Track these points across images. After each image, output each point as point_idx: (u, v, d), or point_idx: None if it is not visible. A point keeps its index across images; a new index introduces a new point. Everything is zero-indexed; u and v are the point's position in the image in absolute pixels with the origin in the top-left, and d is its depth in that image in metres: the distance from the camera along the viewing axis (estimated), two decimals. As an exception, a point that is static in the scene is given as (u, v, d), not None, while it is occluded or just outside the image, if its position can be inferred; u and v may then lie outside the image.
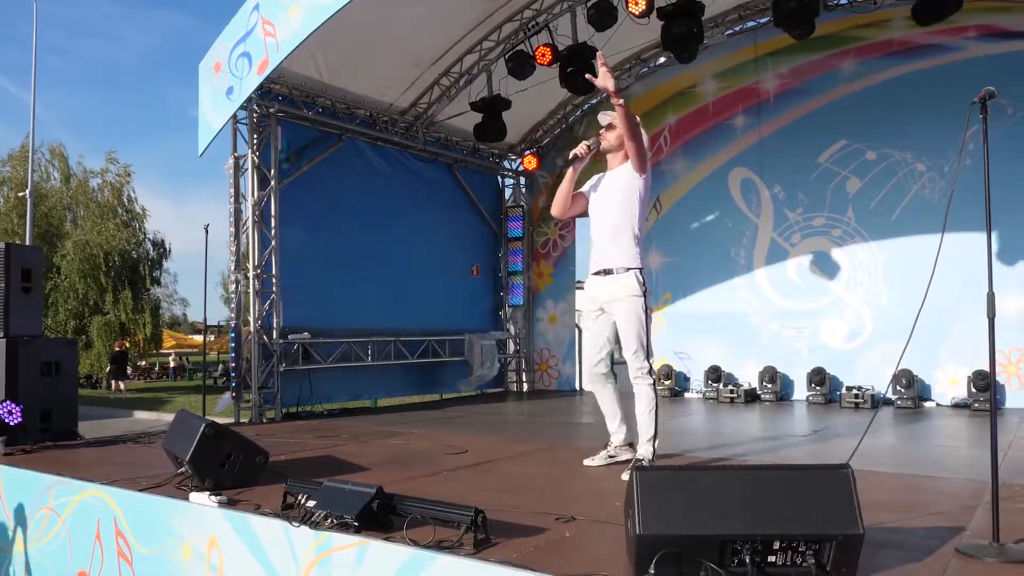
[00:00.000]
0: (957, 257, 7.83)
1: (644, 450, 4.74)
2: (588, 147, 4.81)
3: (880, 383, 8.63)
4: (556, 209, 5.00)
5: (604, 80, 4.50)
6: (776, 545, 2.68)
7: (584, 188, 5.01)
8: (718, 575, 2.58)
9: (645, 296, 4.70)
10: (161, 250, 26.95)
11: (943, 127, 8.60)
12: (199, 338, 41.95)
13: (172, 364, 31.86)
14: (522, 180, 11.78)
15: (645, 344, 4.68)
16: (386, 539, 3.21)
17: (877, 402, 8.44)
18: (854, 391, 8.50)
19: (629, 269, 4.71)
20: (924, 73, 8.80)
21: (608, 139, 4.83)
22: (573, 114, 11.20)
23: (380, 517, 3.37)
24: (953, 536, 3.23)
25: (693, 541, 2.64)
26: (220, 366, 27.44)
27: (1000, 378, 8.24)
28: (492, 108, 9.22)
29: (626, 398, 4.92)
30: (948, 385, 8.50)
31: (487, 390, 11.09)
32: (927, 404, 8.53)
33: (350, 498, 3.41)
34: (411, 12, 8.20)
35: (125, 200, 25.85)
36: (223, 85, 7.37)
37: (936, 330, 8.30)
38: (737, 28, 9.78)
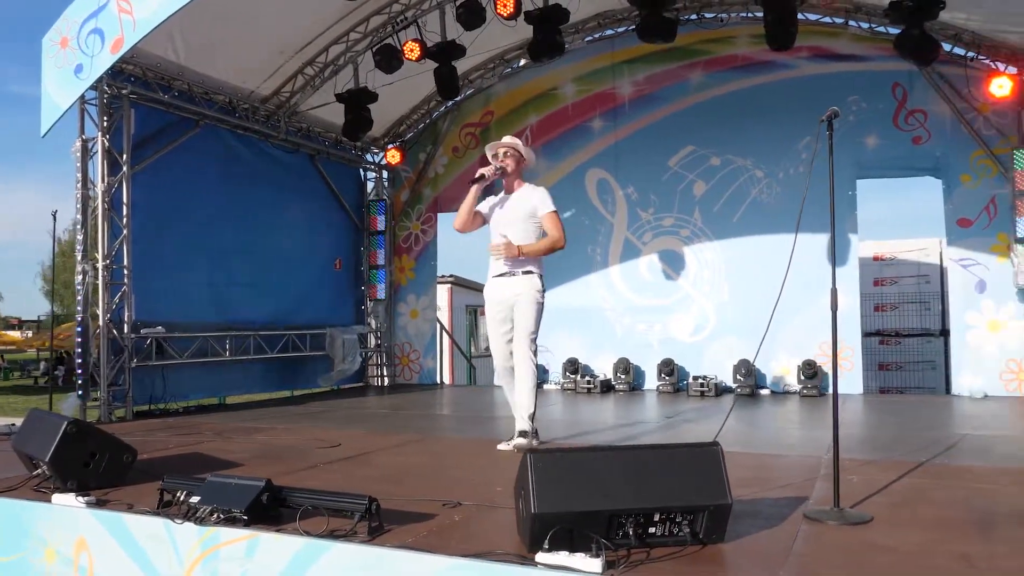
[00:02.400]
0: (786, 257, 8.64)
1: (527, 424, 5.17)
2: (495, 171, 5.30)
3: (723, 373, 9.31)
4: (459, 223, 5.45)
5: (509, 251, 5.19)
6: (656, 517, 2.94)
7: (482, 207, 5.47)
8: (606, 547, 2.79)
9: (543, 295, 5.31)
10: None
11: (779, 137, 9.44)
12: (14, 334, 38.59)
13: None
14: (384, 174, 11.74)
15: (537, 329, 5.23)
16: (277, 531, 3.21)
17: (720, 390, 9.12)
18: (700, 380, 9.12)
19: (533, 272, 5.27)
20: (763, 87, 9.57)
21: (509, 164, 5.34)
22: (437, 110, 11.28)
23: (270, 510, 3.36)
24: (800, 504, 3.62)
25: (583, 517, 2.84)
26: (43, 364, 25.42)
27: (825, 367, 9.09)
28: (358, 101, 9.14)
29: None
30: (781, 374, 9.29)
31: (346, 385, 10.99)
32: (762, 391, 9.29)
33: (237, 492, 3.37)
34: (276, -3, 8.02)
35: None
36: (71, 62, 6.90)
37: (772, 325, 9.05)
38: (596, 35, 10.22)
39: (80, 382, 7.21)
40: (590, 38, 10.20)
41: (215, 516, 3.31)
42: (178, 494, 3.58)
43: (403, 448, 5.62)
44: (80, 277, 7.31)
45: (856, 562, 2.83)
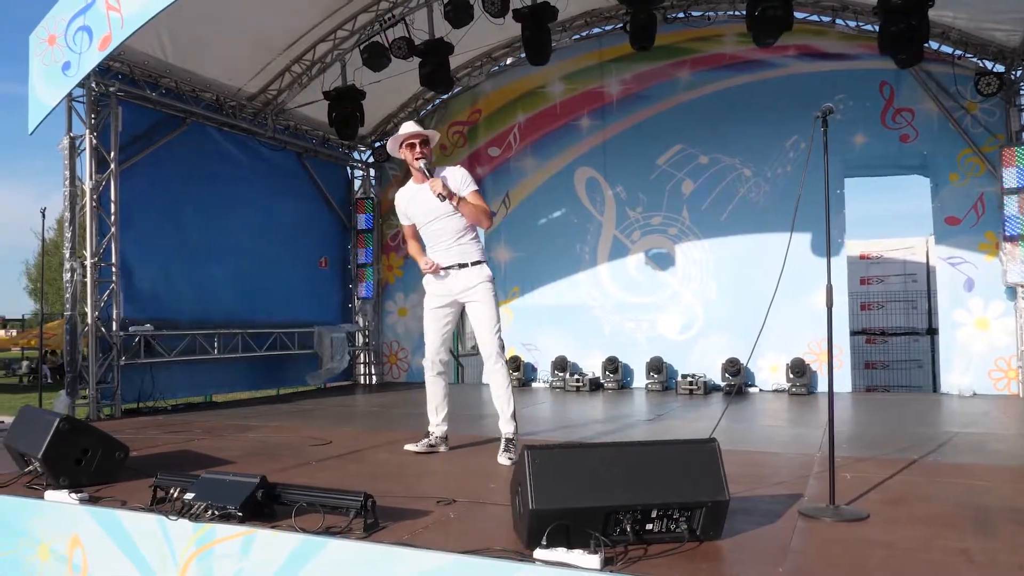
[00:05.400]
0: (776, 255, 8.69)
1: (510, 427, 5.03)
2: (425, 169, 4.94)
3: (711, 371, 9.35)
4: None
5: (437, 188, 4.84)
6: (653, 513, 2.95)
7: (407, 213, 5.15)
8: (604, 543, 2.80)
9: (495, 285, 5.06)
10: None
11: (766, 136, 9.48)
12: (1, 333, 38.22)
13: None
14: (372, 172, 11.71)
15: (500, 324, 5.01)
16: (273, 528, 3.20)
17: (709, 388, 9.15)
18: (688, 379, 9.15)
19: (480, 262, 5.03)
20: (751, 86, 9.61)
21: (429, 155, 5.04)
22: (424, 108, 11.27)
23: (265, 507, 3.36)
24: (795, 501, 3.65)
25: (581, 513, 2.85)
26: (25, 363, 25.15)
27: (814, 365, 9.16)
28: (345, 98, 9.12)
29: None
30: (769, 372, 9.34)
31: (335, 383, 10.96)
32: (751, 390, 9.33)
33: (232, 488, 3.37)
34: (264, -5, 8.00)
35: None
36: (58, 60, 6.84)
37: (759, 323, 9.10)
38: (584, 33, 10.23)
39: (68, 380, 7.14)
40: (577, 36, 10.21)
41: (210, 513, 3.30)
42: (171, 491, 3.57)
43: (395, 445, 5.60)
44: (68, 275, 7.25)
45: (854, 558, 2.85)
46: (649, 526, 2.96)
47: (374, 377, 11.49)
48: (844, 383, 9.07)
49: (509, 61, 10.76)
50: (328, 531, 3.12)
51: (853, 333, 12.21)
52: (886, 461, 4.71)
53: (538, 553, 2.76)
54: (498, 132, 10.95)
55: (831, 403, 3.64)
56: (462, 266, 4.99)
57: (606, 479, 2.91)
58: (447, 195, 4.84)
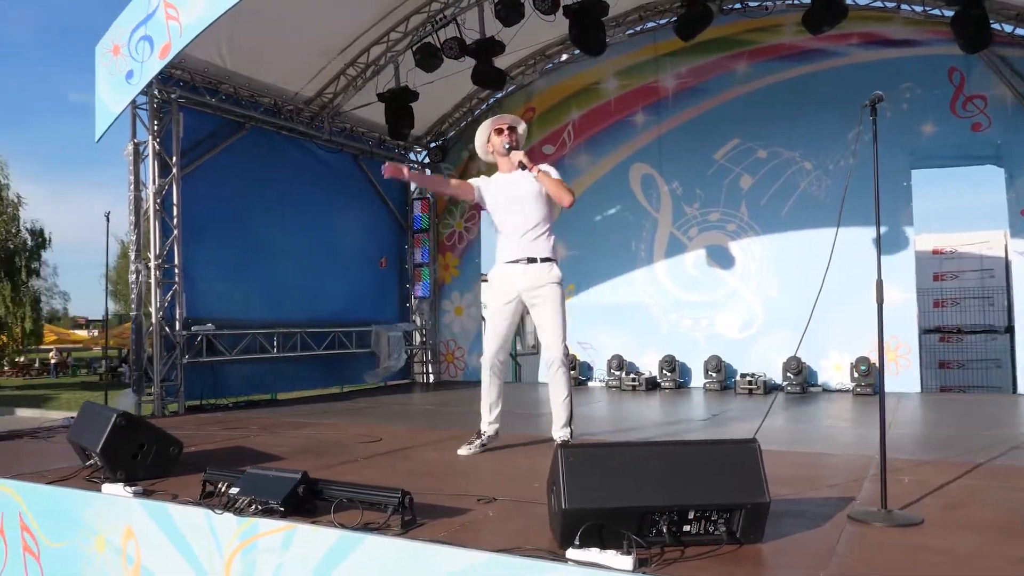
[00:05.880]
0: (840, 251, 8.42)
1: (564, 432, 4.98)
2: (525, 163, 4.88)
3: (771, 370, 9.14)
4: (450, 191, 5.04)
5: (519, 156, 4.80)
6: (691, 515, 2.87)
7: (478, 182, 5.09)
8: (638, 544, 2.74)
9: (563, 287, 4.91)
10: (40, 239, 25.50)
11: (828, 128, 9.20)
12: (82, 333, 39.90)
13: (53, 360, 30.20)
14: (428, 172, 11.79)
15: (565, 333, 4.88)
16: (313, 523, 3.24)
17: (769, 388, 8.94)
18: (748, 378, 8.96)
19: (551, 260, 4.89)
20: (811, 76, 9.35)
21: (515, 141, 5.00)
22: (479, 107, 11.31)
23: (306, 502, 3.39)
24: (846, 505, 3.51)
25: (614, 513, 2.80)
26: (104, 361, 26.23)
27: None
28: (399, 99, 9.21)
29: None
30: (833, 371, 9.07)
31: (392, 382, 11.09)
32: (813, 389, 9.08)
33: (275, 484, 3.42)
34: (318, 1, 8.12)
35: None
36: (122, 69, 7.09)
37: (822, 320, 8.82)
38: (638, 28, 10.11)
39: (134, 378, 7.40)
40: (631, 31, 10.10)
41: (253, 507, 3.35)
42: (220, 485, 3.64)
43: (443, 443, 5.62)
44: (133, 277, 7.51)
45: (902, 564, 2.73)
46: (687, 527, 2.89)
47: (431, 376, 11.58)
48: (912, 383, 8.75)
49: (564, 58, 10.71)
50: (366, 527, 3.14)
51: (925, 331, 11.78)
52: (950, 464, 4.50)
53: (571, 553, 2.72)
54: (552, 130, 10.90)
55: (882, 403, 3.49)
56: (531, 261, 4.83)
57: (641, 479, 2.85)
58: (528, 165, 4.79)
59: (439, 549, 2.87)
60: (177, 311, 7.74)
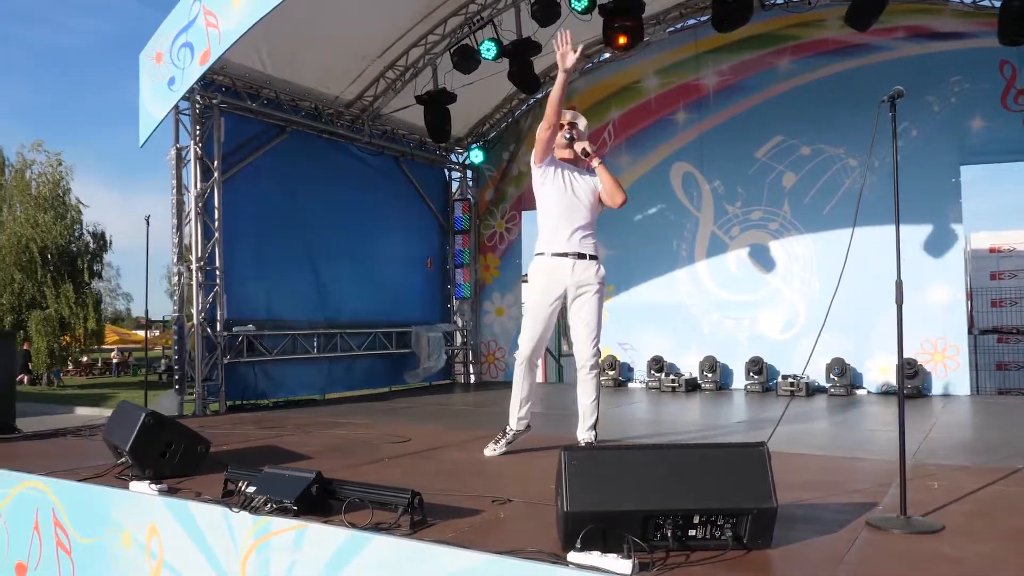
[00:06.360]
0: (886, 250, 8.20)
1: (589, 435, 4.93)
2: (588, 150, 4.86)
3: (814, 372, 8.94)
4: (548, 123, 4.71)
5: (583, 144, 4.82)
6: (696, 519, 2.83)
7: (544, 175, 4.88)
8: (640, 548, 2.71)
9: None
10: (101, 242, 26.32)
11: (873, 123, 8.93)
12: (143, 334, 41.14)
13: (115, 360, 31.19)
14: (469, 173, 11.86)
15: (600, 335, 4.85)
16: (325, 522, 3.27)
17: (812, 390, 8.75)
18: (790, 379, 8.78)
19: (597, 258, 4.87)
20: (856, 71, 9.12)
21: (577, 134, 4.91)
22: (519, 108, 11.32)
23: (319, 501, 3.44)
24: (866, 511, 3.42)
25: (617, 517, 2.77)
26: (163, 361, 26.98)
27: (927, 365, 8.61)
28: (437, 102, 9.27)
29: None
30: (878, 373, 8.84)
31: (435, 382, 11.16)
32: (859, 392, 8.85)
33: (289, 483, 3.47)
34: (356, 5, 8.23)
35: (60, 192, 25.14)
36: (164, 75, 7.29)
37: (867, 321, 8.65)
38: (678, 26, 10.00)
39: (177, 378, 7.60)
40: (672, 29, 9.99)
41: (268, 506, 3.41)
42: (240, 484, 3.72)
43: (472, 444, 5.63)
44: (176, 278, 7.71)
45: (912, 573, 2.65)
46: (692, 532, 2.84)
47: (472, 376, 11.63)
48: (962, 385, 8.48)
49: (604, 57, 10.65)
50: (376, 527, 3.17)
51: (982, 332, 11.39)
52: (987, 470, 4.34)
53: (571, 556, 2.70)
54: (593, 129, 10.79)
55: (900, 403, 3.40)
56: (580, 257, 4.78)
57: (645, 482, 2.81)
58: (592, 153, 4.79)
59: (441, 550, 2.88)
60: (218, 312, 7.92)
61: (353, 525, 3.18)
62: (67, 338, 24.54)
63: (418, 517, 3.24)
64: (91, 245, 26.03)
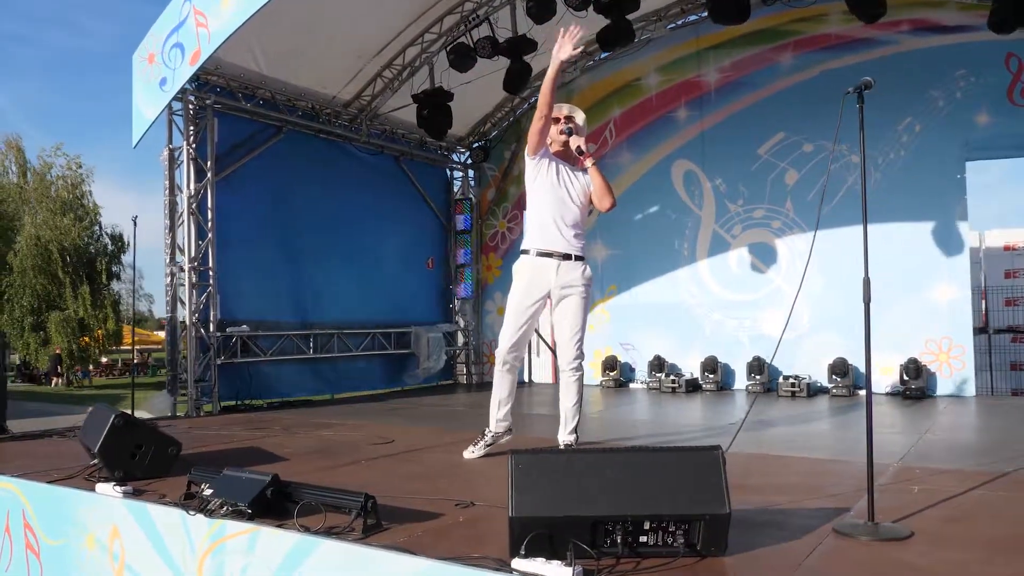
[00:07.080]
0: (888, 248, 8.04)
1: (570, 438, 4.83)
2: (583, 148, 4.73)
3: (816, 372, 8.79)
4: (541, 114, 4.64)
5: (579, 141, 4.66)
6: (647, 525, 2.74)
7: (540, 165, 4.77)
8: (587, 554, 2.63)
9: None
10: (119, 244, 26.55)
11: (877, 119, 8.74)
12: (162, 334, 41.48)
13: (135, 361, 31.39)
14: (470, 173, 11.80)
15: (583, 335, 4.76)
16: (278, 526, 3.22)
17: (813, 391, 8.61)
18: (791, 380, 8.63)
19: (584, 259, 4.77)
20: (859, 66, 8.92)
21: (575, 128, 4.78)
22: (520, 107, 11.24)
23: (275, 504, 3.39)
24: (836, 516, 3.31)
25: (564, 522, 2.69)
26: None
27: (932, 366, 8.44)
28: (434, 100, 9.21)
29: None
30: (882, 374, 8.65)
31: (437, 383, 11.11)
32: (862, 392, 8.67)
33: (245, 485, 3.42)
34: (351, 3, 8.19)
35: (79, 194, 25.42)
36: (156, 76, 7.30)
37: (871, 321, 8.46)
38: (679, 22, 9.88)
39: (169, 379, 7.60)
40: (672, 25, 9.86)
41: (224, 509, 3.36)
42: (201, 486, 3.67)
43: (455, 446, 5.54)
44: (168, 279, 7.71)
45: (870, 582, 2.55)
46: (643, 538, 2.75)
47: (474, 376, 11.57)
48: (967, 386, 8.30)
49: (604, 55, 10.53)
50: (329, 531, 3.11)
51: (996, 331, 11.16)
52: (973, 474, 4.21)
53: (515, 563, 2.63)
54: (594, 128, 10.70)
55: (868, 404, 3.28)
56: (565, 257, 4.65)
57: (593, 487, 2.73)
58: (586, 152, 4.68)
59: (385, 555, 2.81)
60: (211, 313, 7.91)
61: (306, 529, 3.12)
62: (86, 339, 24.79)
63: (372, 520, 3.17)
64: (109, 247, 26.28)
